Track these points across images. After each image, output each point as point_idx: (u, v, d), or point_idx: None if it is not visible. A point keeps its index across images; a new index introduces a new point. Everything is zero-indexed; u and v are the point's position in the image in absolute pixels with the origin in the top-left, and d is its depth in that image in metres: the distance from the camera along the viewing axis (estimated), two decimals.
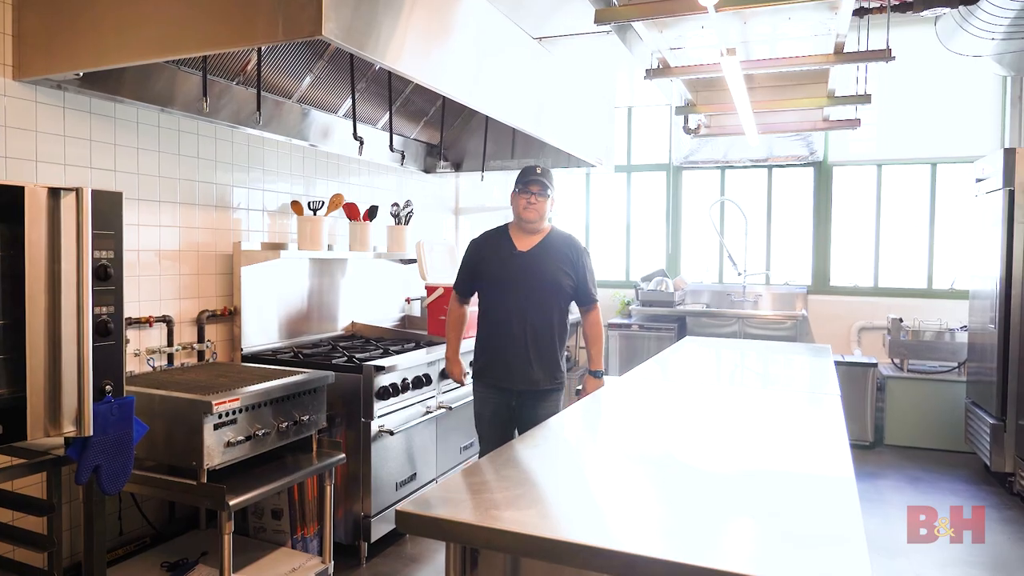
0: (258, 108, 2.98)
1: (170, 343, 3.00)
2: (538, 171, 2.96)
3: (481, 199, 5.64)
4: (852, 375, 5.23)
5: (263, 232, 3.61)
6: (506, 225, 3.08)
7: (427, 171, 4.92)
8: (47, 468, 1.86)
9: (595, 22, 2.80)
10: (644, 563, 1.22)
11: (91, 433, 1.77)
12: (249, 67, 3.09)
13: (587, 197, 6.79)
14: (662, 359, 3.66)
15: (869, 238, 5.91)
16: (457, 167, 5.00)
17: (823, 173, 5.99)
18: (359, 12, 2.17)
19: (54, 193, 1.76)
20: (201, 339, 3.15)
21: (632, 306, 6.11)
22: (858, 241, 5.96)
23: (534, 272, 2.91)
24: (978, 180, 4.64)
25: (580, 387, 3.07)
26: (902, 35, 4.55)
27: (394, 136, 4.14)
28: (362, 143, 3.33)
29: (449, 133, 4.77)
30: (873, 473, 4.69)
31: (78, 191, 1.76)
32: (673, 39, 3.41)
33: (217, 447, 2.29)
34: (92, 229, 1.77)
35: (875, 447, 5.27)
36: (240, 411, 2.37)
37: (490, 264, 2.98)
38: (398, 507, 1.41)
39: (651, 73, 3.61)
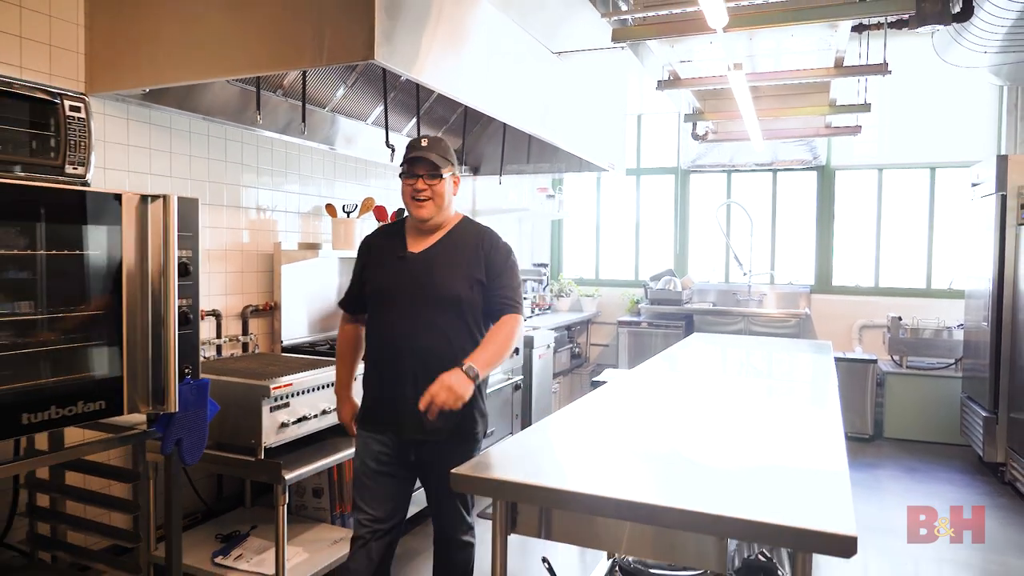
0: (303, 119, 3.24)
1: (219, 335, 3.25)
2: (424, 143, 2.13)
3: (497, 201, 5.88)
4: (853, 371, 5.45)
5: (297, 233, 3.86)
6: (403, 219, 2.31)
7: None
8: (134, 441, 2.12)
9: (612, 40, 3.04)
10: (638, 507, 1.49)
11: (176, 410, 2.02)
12: (287, 81, 3.34)
13: (598, 199, 7.03)
14: (670, 353, 3.89)
15: (870, 239, 6.13)
16: (475, 171, 5.25)
17: (826, 177, 6.22)
18: (401, 35, 2.41)
19: (143, 199, 2.01)
20: (245, 332, 3.40)
21: (641, 304, 6.35)
22: (859, 242, 6.18)
23: (427, 281, 2.12)
24: (973, 185, 4.87)
25: None
26: (901, 45, 4.77)
27: None
28: (394, 150, 3.58)
29: (468, 139, 5.02)
30: (872, 464, 4.92)
31: (165, 198, 2.01)
32: (683, 53, 3.65)
33: (272, 428, 2.55)
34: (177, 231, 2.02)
35: (874, 440, 5.49)
36: (292, 395, 2.62)
37: (375, 270, 2.21)
38: (454, 470, 1.65)
39: (662, 84, 3.84)
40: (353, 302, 2.34)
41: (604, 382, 3.51)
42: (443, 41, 2.76)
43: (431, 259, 2.16)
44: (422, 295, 2.12)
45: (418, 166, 2.11)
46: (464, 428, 2.15)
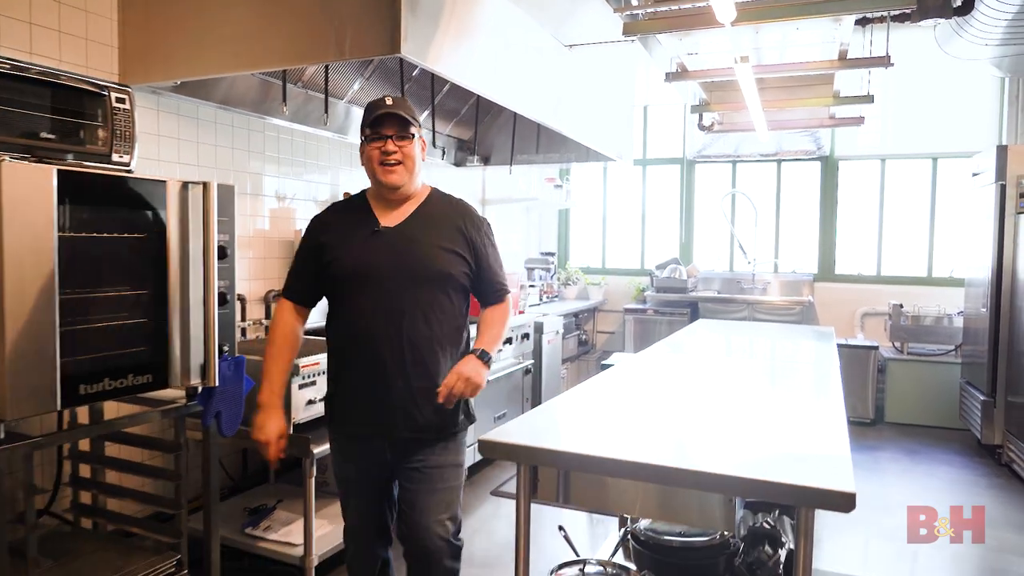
0: (325, 111, 3.35)
1: (243, 318, 3.38)
2: (389, 101, 1.92)
3: (507, 191, 6.00)
4: (855, 357, 5.57)
5: (305, 220, 3.98)
6: (363, 192, 2.07)
7: (457, 164, 5.27)
8: (175, 414, 2.25)
9: (623, 34, 3.15)
10: (652, 468, 1.62)
11: (216, 384, 2.15)
12: (306, 74, 3.45)
13: (604, 189, 7.13)
14: (676, 338, 4.01)
15: (873, 228, 6.24)
16: (486, 161, 5.35)
17: (829, 167, 6.32)
18: (423, 29, 2.52)
19: (184, 186, 2.14)
20: (268, 315, 3.53)
21: (647, 292, 6.47)
22: (862, 231, 6.29)
23: (410, 258, 1.91)
24: (974, 175, 4.97)
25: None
26: (905, 37, 4.87)
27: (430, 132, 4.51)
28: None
29: (479, 129, 5.13)
30: (873, 447, 5.04)
31: (205, 184, 2.14)
32: (691, 46, 3.76)
33: (300, 404, 2.68)
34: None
35: (876, 424, 5.62)
36: (319, 374, 2.75)
37: (342, 249, 1.94)
38: (481, 437, 1.78)
39: (671, 76, 3.95)
40: (305, 291, 2.02)
41: (612, 364, 3.64)
42: (457, 33, 2.86)
43: (410, 234, 1.93)
44: (406, 274, 1.90)
45: (386, 125, 1.90)
46: (451, 424, 1.98)
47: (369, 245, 1.93)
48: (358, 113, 4.01)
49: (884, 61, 3.52)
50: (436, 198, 2.04)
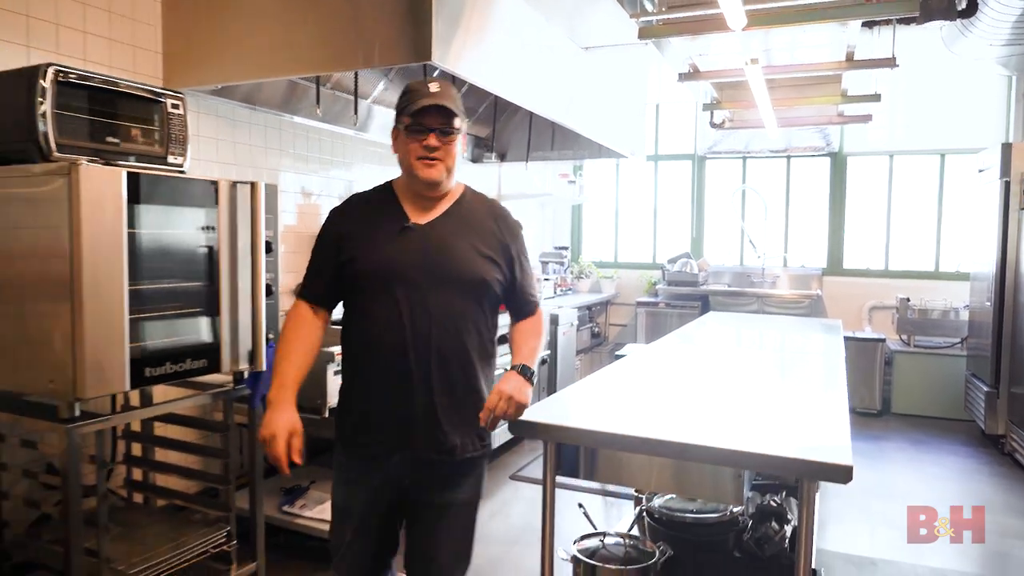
0: (355, 112, 3.52)
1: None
2: (433, 87, 1.68)
3: (522, 186, 6.15)
4: (862, 350, 5.71)
5: None
6: (389, 184, 1.84)
7: (475, 161, 5.44)
8: (224, 397, 2.43)
9: (638, 38, 3.29)
10: (667, 444, 1.78)
11: (264, 369, 2.33)
12: (334, 77, 3.62)
13: (617, 184, 7.28)
14: (687, 330, 4.17)
15: (881, 223, 6.36)
16: (502, 157, 5.51)
17: (838, 163, 6.43)
18: (449, 36, 2.68)
19: (233, 185, 2.31)
20: None
21: (658, 286, 6.62)
22: (870, 226, 6.40)
23: (444, 259, 1.71)
24: (980, 171, 5.08)
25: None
26: (912, 35, 4.97)
27: None
28: None
29: (496, 127, 5.28)
30: (879, 436, 5.18)
31: (253, 184, 2.31)
32: (703, 47, 3.90)
33: (334, 390, 2.85)
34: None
35: (882, 415, 5.75)
36: None
37: (363, 245, 1.72)
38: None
39: (683, 77, 4.09)
40: (323, 291, 1.77)
41: (625, 355, 3.80)
42: (477, 37, 2.99)
43: (444, 233, 1.73)
44: (438, 277, 1.68)
45: (430, 116, 1.65)
46: (475, 446, 1.79)
47: (396, 242, 1.69)
48: (379, 111, 4.17)
49: (889, 62, 3.65)
50: (470, 197, 1.82)
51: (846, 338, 5.49)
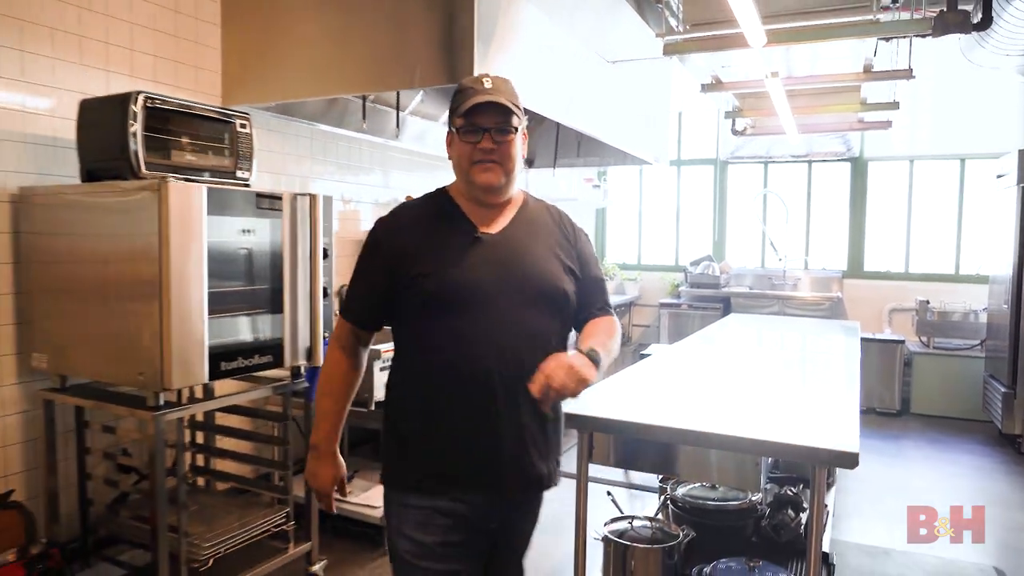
0: (397, 125, 3.76)
1: None
2: (487, 82, 1.52)
3: (548, 191, 6.35)
4: (882, 351, 5.83)
5: (370, 221, 4.38)
6: (443, 190, 1.65)
7: None
8: (283, 390, 2.67)
9: (663, 54, 3.48)
10: (693, 433, 1.96)
11: (321, 364, 2.56)
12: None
13: (640, 188, 7.46)
14: (709, 331, 4.34)
15: (901, 226, 6.46)
16: (530, 164, 5.72)
17: (859, 167, 6.55)
18: (484, 55, 2.89)
19: (294, 197, 2.55)
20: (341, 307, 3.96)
21: (681, 288, 6.79)
22: (891, 229, 6.51)
23: (520, 270, 1.54)
24: (998, 176, 5.18)
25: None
26: (932, 43, 5.08)
27: None
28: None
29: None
30: (898, 435, 5.31)
31: (312, 196, 2.55)
32: (724, 59, 4.07)
33: (380, 384, 3.08)
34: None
35: (901, 415, 5.87)
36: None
37: (433, 260, 1.51)
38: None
39: (706, 88, 4.27)
40: (372, 313, 1.59)
41: (650, 355, 3.99)
42: (507, 53, 3.17)
43: (517, 242, 1.55)
44: (519, 290, 1.51)
45: (484, 115, 1.48)
46: (553, 476, 1.63)
47: (470, 255, 1.51)
48: (412, 121, 4.39)
49: (906, 74, 3.79)
50: (533, 202, 1.68)
51: (866, 340, 5.64)
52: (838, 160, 6.62)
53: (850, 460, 1.81)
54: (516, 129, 1.52)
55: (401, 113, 4.22)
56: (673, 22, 3.49)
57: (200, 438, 2.96)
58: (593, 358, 1.48)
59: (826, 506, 3.05)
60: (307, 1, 3.06)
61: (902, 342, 5.88)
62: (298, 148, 3.73)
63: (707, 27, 3.26)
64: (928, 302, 5.92)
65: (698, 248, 7.18)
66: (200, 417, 2.92)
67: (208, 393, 2.76)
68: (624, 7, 3.30)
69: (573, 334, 1.68)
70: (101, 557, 2.60)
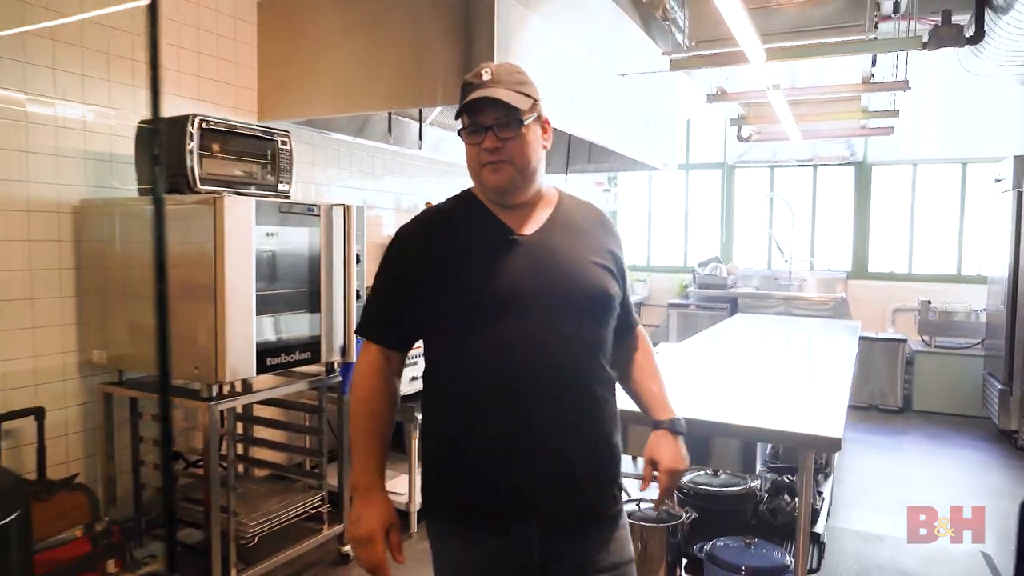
0: (419, 137, 4.00)
1: None
2: (486, 74, 1.36)
3: None
4: (885, 350, 6.01)
5: (391, 226, 4.62)
6: (470, 191, 1.50)
7: None
8: (319, 384, 2.91)
9: (670, 69, 3.70)
10: (696, 423, 2.16)
11: (354, 359, 2.80)
12: None
13: (650, 192, 7.67)
14: (716, 330, 4.55)
15: (904, 228, 6.64)
16: None
17: (863, 171, 6.73)
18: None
19: (330, 207, 2.79)
20: None
21: (689, 288, 6.99)
22: (894, 231, 6.69)
23: (564, 274, 1.40)
24: (996, 180, 5.36)
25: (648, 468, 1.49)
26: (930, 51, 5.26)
27: None
28: None
29: None
30: (899, 431, 5.49)
31: (346, 207, 2.79)
32: (729, 71, 4.28)
33: (406, 379, 3.31)
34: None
35: (903, 412, 6.05)
36: (419, 356, 3.38)
37: (467, 269, 1.39)
38: None
39: (711, 98, 4.48)
40: (401, 331, 1.44)
41: (657, 352, 4.21)
42: (530, 64, 3.41)
43: (556, 244, 1.41)
44: (562, 296, 1.36)
45: (484, 112, 1.34)
46: (613, 502, 1.45)
47: (506, 260, 1.37)
48: (430, 131, 4.61)
49: (902, 85, 3.99)
50: (569, 200, 1.52)
51: (869, 339, 5.84)
52: (842, 164, 6.80)
53: (833, 444, 2.03)
54: (522, 122, 1.35)
55: (423, 124, 4.46)
56: (680, 37, 3.70)
57: (239, 428, 3.21)
58: (677, 431, 1.49)
59: (821, 493, 3.27)
60: (335, 24, 3.31)
61: (904, 341, 6.06)
62: (325, 158, 3.98)
63: (712, 44, 3.47)
64: (930, 302, 6.10)
65: (707, 250, 7.38)
66: (240, 409, 3.17)
67: (246, 387, 3.01)
68: (631, 26, 3.51)
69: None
70: (153, 536, 2.85)
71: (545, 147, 1.44)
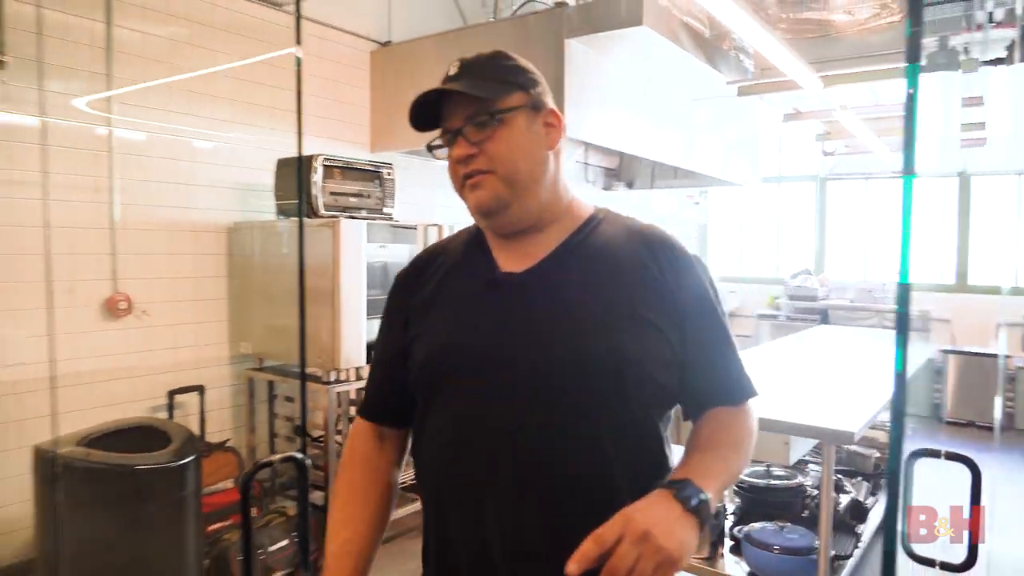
0: None
1: None
2: (452, 70, 1.07)
3: (651, 209, 6.88)
4: (984, 365, 5.87)
5: None
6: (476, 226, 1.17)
7: (605, 189, 6.25)
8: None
9: (738, 95, 3.99)
10: None
11: None
12: None
13: (740, 203, 7.81)
14: (786, 340, 4.73)
15: (1009, 240, 6.42)
16: (629, 185, 6.29)
17: (963, 182, 6.58)
18: (579, 107, 3.53)
19: (426, 228, 3.33)
20: None
21: (780, 300, 7.08)
22: (998, 244, 6.48)
23: (541, 325, 1.01)
24: None
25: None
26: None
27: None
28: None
29: (624, 160, 6.07)
30: (996, 449, 5.38)
31: (440, 226, 3.31)
32: (802, 93, 4.49)
33: None
34: None
35: (1005, 430, 5.87)
36: None
37: (431, 319, 1.09)
38: None
39: (787, 118, 4.69)
40: (388, 402, 1.16)
41: None
42: (600, 103, 3.80)
43: (552, 282, 1.05)
44: (538, 362, 0.99)
45: (451, 114, 1.06)
46: None
47: (476, 307, 1.07)
48: None
49: (978, 101, 4.06)
50: (604, 224, 1.11)
51: (969, 353, 5.75)
52: (941, 176, 6.67)
53: (846, 438, 2.31)
54: (499, 113, 1.02)
55: None
56: (748, 63, 3.99)
57: (351, 411, 3.81)
58: (686, 502, 0.89)
59: (875, 494, 3.43)
60: (436, 66, 3.84)
61: (1008, 357, 5.89)
62: (422, 179, 4.55)
63: (773, 72, 3.74)
64: None
65: (801, 261, 7.43)
66: (352, 394, 3.76)
67: (358, 375, 3.59)
68: (696, 61, 3.80)
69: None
70: (285, 495, 3.49)
71: (551, 148, 1.07)
